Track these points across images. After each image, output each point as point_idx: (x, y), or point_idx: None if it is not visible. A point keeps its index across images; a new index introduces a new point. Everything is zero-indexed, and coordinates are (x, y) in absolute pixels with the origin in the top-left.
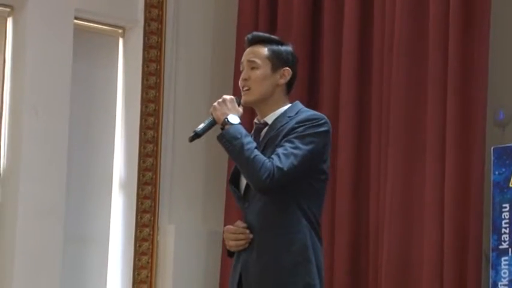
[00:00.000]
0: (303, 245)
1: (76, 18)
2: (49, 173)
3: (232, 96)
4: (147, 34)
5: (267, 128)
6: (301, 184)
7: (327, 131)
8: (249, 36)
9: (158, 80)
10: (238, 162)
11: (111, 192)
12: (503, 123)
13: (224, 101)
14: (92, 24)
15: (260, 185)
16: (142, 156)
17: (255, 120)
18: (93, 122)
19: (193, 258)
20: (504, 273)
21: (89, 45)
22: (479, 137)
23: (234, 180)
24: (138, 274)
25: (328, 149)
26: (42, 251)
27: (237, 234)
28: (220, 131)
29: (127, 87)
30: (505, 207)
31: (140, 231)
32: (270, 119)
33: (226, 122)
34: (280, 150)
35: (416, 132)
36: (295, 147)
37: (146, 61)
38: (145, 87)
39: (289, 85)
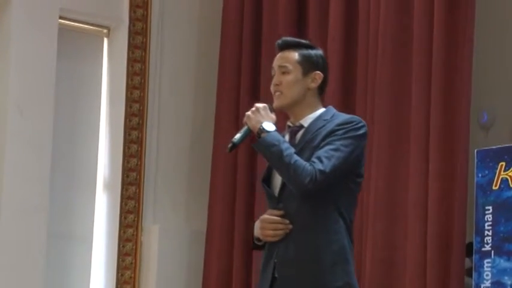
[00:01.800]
0: (341, 245)
1: (61, 17)
2: (33, 172)
3: (264, 104)
4: (132, 34)
5: (303, 130)
6: (339, 186)
7: (365, 134)
8: (279, 41)
9: (143, 80)
10: (279, 168)
11: (95, 192)
12: (487, 125)
13: (257, 109)
14: (76, 23)
15: (303, 188)
16: (127, 156)
17: (289, 123)
18: (78, 122)
19: (177, 258)
20: (487, 275)
21: (74, 45)
22: (463, 139)
23: (266, 180)
24: (122, 274)
25: (364, 151)
26: (26, 250)
27: (276, 224)
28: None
29: (112, 87)
30: (488, 210)
31: (124, 232)
32: (305, 121)
33: (262, 130)
34: (321, 153)
35: (401, 133)
36: (336, 149)
37: (131, 61)
38: (130, 87)
39: (321, 88)
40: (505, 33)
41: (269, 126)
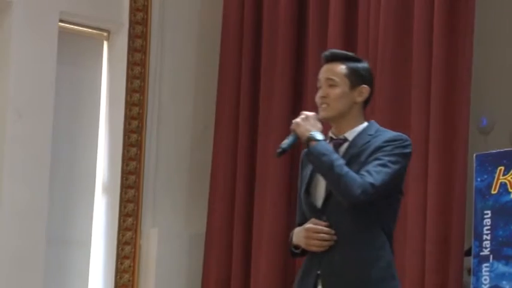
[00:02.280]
0: (388, 261)
1: (61, 20)
2: (32, 176)
3: (314, 113)
4: (131, 37)
5: (347, 144)
6: (382, 201)
7: (410, 153)
8: (327, 53)
9: (142, 84)
10: (329, 178)
11: (94, 195)
12: (486, 130)
13: (307, 117)
14: (76, 27)
15: (355, 199)
16: (126, 159)
17: (331, 135)
18: (77, 125)
19: (176, 261)
20: (485, 279)
21: (74, 48)
22: (462, 143)
23: (307, 190)
24: (121, 278)
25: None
26: (25, 253)
27: (322, 234)
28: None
29: (111, 90)
30: (487, 214)
31: (123, 235)
32: (350, 135)
33: (311, 138)
34: (370, 167)
35: None
36: (385, 165)
37: (131, 64)
38: (130, 91)
39: (366, 102)
40: (504, 39)
41: (318, 135)
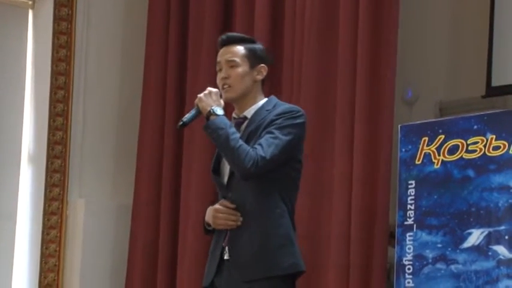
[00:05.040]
0: (287, 228)
1: None
2: None
3: (217, 90)
4: (57, 6)
5: (246, 121)
6: (280, 172)
7: (303, 123)
8: (224, 37)
9: (68, 53)
10: (224, 151)
11: (20, 165)
12: (411, 101)
13: (210, 93)
14: None
15: (245, 172)
16: (52, 129)
17: (234, 115)
18: (2, 95)
19: (103, 232)
20: (409, 248)
21: None
22: (388, 114)
23: (215, 170)
24: (47, 248)
25: (303, 139)
26: None
27: (228, 214)
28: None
29: (37, 59)
30: (411, 184)
31: (49, 205)
32: (248, 113)
33: (211, 113)
34: (262, 141)
35: (326, 108)
36: (276, 138)
37: (56, 33)
38: (56, 60)
39: (264, 80)
40: (428, 9)
41: (219, 110)
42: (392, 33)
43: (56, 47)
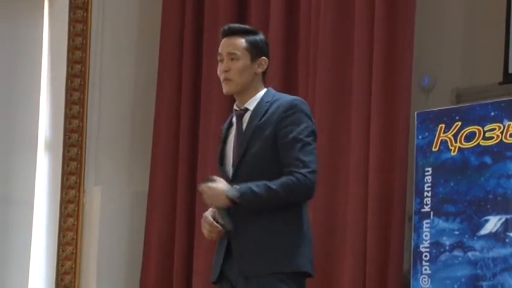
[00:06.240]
0: (300, 225)
1: None
2: None
3: (202, 185)
4: None
5: (249, 113)
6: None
7: (310, 113)
8: (225, 27)
9: (84, 41)
10: (277, 204)
11: (36, 154)
12: (428, 88)
13: (207, 189)
14: None
15: (309, 196)
16: (68, 117)
17: (235, 107)
18: (19, 84)
19: (119, 219)
20: (426, 235)
21: (15, 6)
22: (405, 101)
23: (221, 162)
24: (64, 236)
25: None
26: None
27: (212, 229)
28: None
29: (53, 48)
30: (428, 171)
31: (66, 193)
32: (250, 105)
33: (232, 200)
34: (296, 154)
35: (343, 96)
36: (304, 144)
37: (72, 22)
38: (72, 48)
39: (264, 72)
40: None
41: (231, 191)
42: (410, 20)
43: (72, 36)
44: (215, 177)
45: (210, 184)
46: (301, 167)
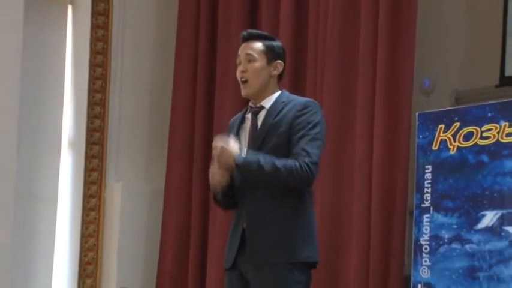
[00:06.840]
0: (309, 215)
1: None
2: (1, 134)
3: (220, 146)
4: (95, 1)
5: (264, 111)
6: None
7: (322, 115)
8: (245, 33)
9: (105, 46)
10: (277, 182)
11: (60, 152)
12: (428, 90)
13: (220, 154)
14: None
15: (307, 182)
16: (91, 117)
17: (251, 104)
18: (44, 86)
19: (138, 213)
20: (426, 229)
21: (39, 12)
22: (406, 103)
23: None
24: (86, 228)
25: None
26: None
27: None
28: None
29: (76, 52)
30: (428, 169)
31: (88, 189)
32: (266, 103)
33: (237, 164)
34: (303, 145)
35: (348, 97)
36: (313, 139)
37: (94, 27)
38: (93, 53)
39: (280, 75)
40: (445, 1)
41: (238, 156)
42: (411, 23)
43: (94, 40)
44: (232, 139)
45: (225, 146)
46: (304, 156)
